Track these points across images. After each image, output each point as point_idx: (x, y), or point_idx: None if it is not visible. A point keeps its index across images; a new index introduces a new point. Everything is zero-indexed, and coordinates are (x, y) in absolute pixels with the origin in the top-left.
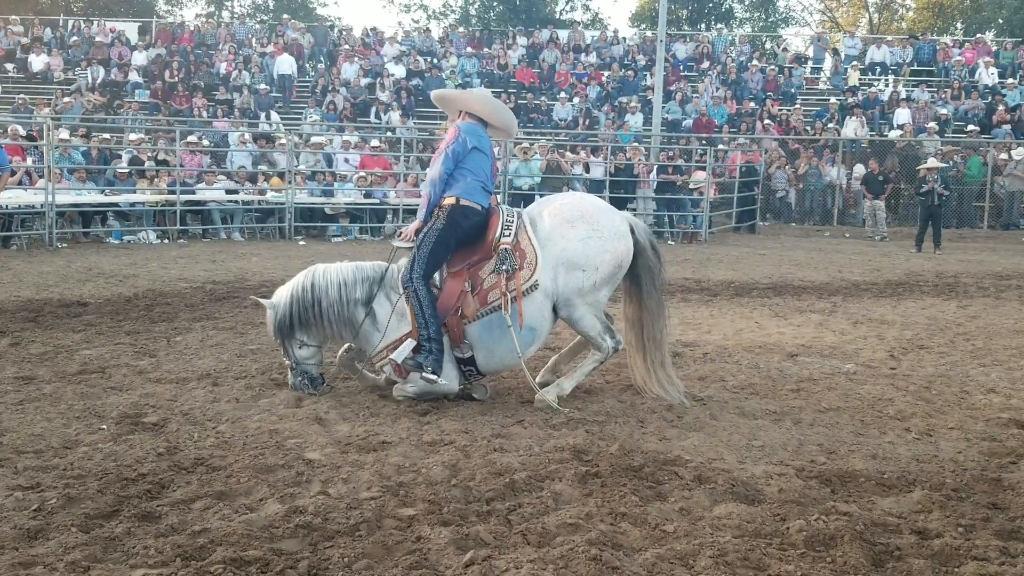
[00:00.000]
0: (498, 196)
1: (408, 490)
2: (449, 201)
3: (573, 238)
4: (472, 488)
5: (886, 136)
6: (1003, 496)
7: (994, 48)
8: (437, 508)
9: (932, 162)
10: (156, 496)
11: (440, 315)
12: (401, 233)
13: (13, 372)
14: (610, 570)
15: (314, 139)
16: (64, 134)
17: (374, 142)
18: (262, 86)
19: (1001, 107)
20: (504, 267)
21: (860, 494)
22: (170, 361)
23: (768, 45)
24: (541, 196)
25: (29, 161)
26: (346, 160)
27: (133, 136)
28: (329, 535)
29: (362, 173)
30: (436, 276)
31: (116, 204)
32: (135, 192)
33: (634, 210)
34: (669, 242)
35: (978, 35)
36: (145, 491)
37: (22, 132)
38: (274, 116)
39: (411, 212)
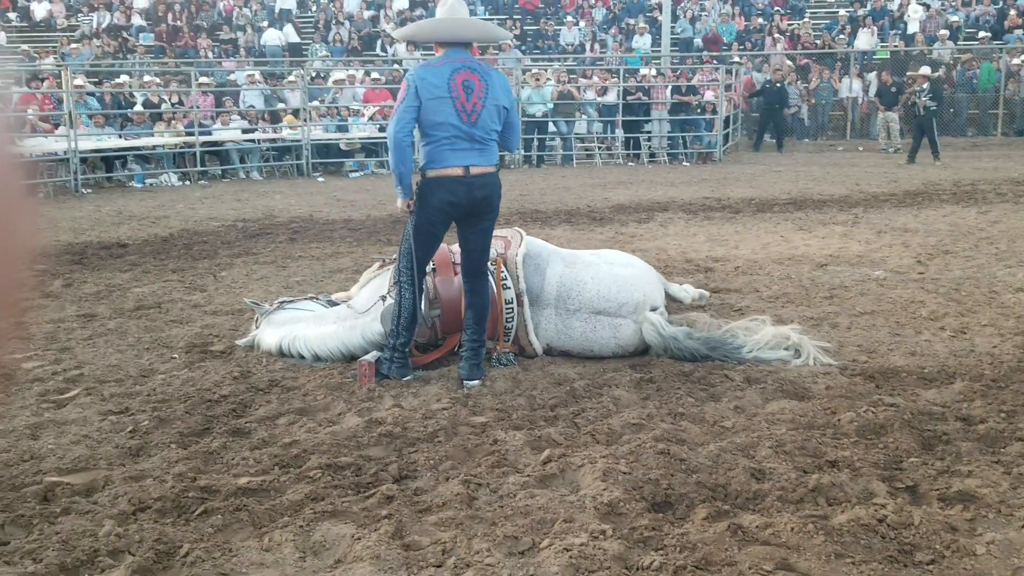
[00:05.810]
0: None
1: (476, 401)
2: (415, 178)
3: None
4: (536, 397)
5: (902, 47)
6: None
7: None
8: (506, 415)
9: (924, 70)
10: (241, 415)
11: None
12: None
13: (74, 311)
14: (678, 462)
15: (334, 74)
16: (79, 80)
17: (375, 75)
18: (265, 23)
19: (1013, 11)
20: None
21: (903, 388)
22: (221, 295)
23: None
24: (554, 123)
25: (47, 108)
26: (353, 97)
27: (146, 79)
28: (411, 442)
29: (376, 107)
30: None
31: (137, 148)
32: (153, 135)
33: (649, 132)
34: (684, 163)
35: None
36: (230, 410)
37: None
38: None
39: None
